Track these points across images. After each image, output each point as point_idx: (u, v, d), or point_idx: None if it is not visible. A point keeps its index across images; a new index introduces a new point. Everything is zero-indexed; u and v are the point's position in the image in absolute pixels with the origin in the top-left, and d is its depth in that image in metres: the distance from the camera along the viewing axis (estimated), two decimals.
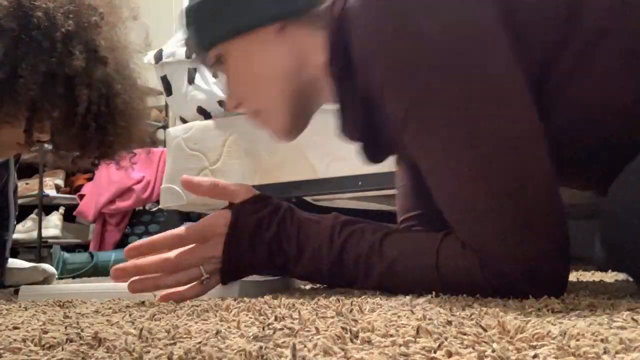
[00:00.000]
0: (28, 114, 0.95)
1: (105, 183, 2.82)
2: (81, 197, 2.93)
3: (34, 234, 2.97)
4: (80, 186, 3.14)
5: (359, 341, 0.40)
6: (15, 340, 0.44)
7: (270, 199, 0.79)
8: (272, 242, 0.76)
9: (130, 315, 0.60)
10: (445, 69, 0.65)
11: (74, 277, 1.78)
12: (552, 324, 0.44)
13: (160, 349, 0.39)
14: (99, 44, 0.97)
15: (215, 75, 1.58)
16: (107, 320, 0.57)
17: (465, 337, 0.39)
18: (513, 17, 0.67)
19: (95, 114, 0.98)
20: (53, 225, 3.05)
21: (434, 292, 0.67)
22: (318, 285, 0.97)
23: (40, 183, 3.00)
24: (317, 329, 0.44)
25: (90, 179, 3.12)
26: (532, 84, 0.67)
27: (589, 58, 0.67)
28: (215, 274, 0.77)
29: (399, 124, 0.69)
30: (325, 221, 0.77)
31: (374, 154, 0.86)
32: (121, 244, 2.78)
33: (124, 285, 0.87)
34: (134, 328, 0.49)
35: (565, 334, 0.38)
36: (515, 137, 0.65)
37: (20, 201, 3.15)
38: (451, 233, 0.70)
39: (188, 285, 0.76)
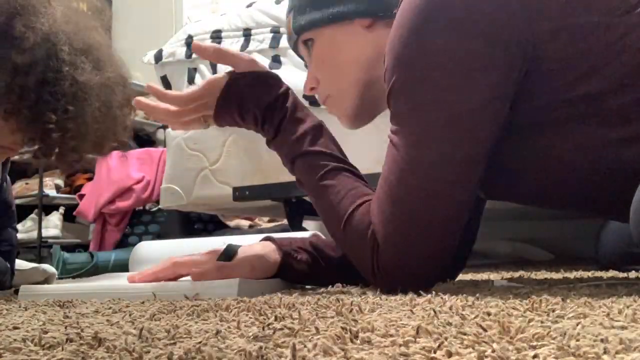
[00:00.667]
0: None
1: (105, 183, 2.82)
2: (81, 197, 2.93)
3: (34, 234, 2.97)
4: (80, 186, 3.14)
5: (359, 341, 0.40)
6: (15, 340, 0.45)
7: (269, 80, 0.88)
8: (257, 111, 0.88)
9: (130, 315, 0.60)
10: (425, 83, 0.71)
11: (74, 277, 1.78)
12: (552, 323, 0.44)
13: (160, 349, 0.39)
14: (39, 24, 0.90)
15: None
16: (107, 320, 0.57)
17: (465, 337, 0.39)
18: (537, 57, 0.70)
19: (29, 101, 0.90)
20: (53, 225, 3.05)
21: (433, 292, 0.68)
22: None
23: (40, 183, 3.00)
24: (317, 329, 0.44)
25: (90, 179, 3.12)
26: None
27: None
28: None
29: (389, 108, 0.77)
30: (307, 124, 0.86)
31: None
32: (121, 244, 2.78)
33: (123, 285, 0.87)
34: (134, 328, 0.49)
35: (565, 334, 0.38)
36: (452, 161, 0.72)
37: (20, 201, 3.16)
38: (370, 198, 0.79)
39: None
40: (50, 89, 0.91)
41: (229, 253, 0.85)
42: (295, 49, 0.98)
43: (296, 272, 0.88)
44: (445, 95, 0.71)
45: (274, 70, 1.57)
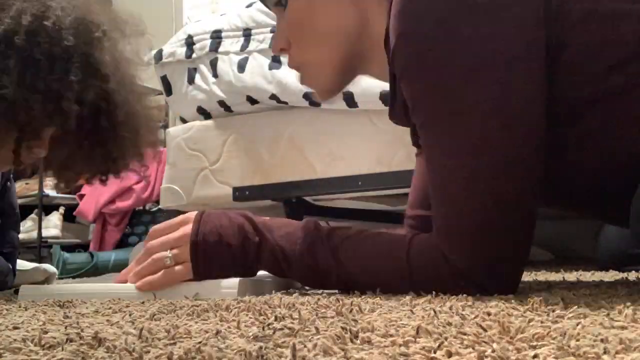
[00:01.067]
0: (17, 135, 0.92)
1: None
2: (81, 197, 2.93)
3: (34, 234, 2.97)
4: (80, 186, 3.13)
5: (359, 341, 0.40)
6: (15, 340, 0.44)
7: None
8: (241, 231, 0.78)
9: (130, 315, 0.60)
10: (469, 79, 0.66)
11: (74, 277, 1.78)
12: (552, 323, 0.44)
13: (160, 349, 0.39)
14: (99, 60, 0.95)
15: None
16: (107, 320, 0.57)
17: (465, 337, 0.39)
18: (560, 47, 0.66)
19: (90, 130, 0.96)
20: (53, 225, 3.05)
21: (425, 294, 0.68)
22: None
23: (40, 183, 3.00)
24: (317, 329, 0.44)
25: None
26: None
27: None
28: (184, 258, 0.79)
29: (411, 111, 0.71)
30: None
31: (417, 141, 0.87)
32: (121, 244, 2.78)
33: (123, 286, 0.87)
34: (134, 328, 0.49)
35: (565, 334, 0.38)
36: (515, 162, 0.67)
37: (20, 201, 3.14)
38: (420, 234, 0.74)
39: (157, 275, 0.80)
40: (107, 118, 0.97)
41: None
42: (265, 3, 0.89)
43: None
44: (492, 91, 0.66)
45: (274, 71, 1.59)
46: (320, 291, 0.83)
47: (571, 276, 1.13)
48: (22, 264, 1.29)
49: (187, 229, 0.79)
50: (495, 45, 0.65)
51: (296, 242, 0.76)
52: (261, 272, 0.89)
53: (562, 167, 0.72)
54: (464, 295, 0.65)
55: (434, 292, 0.67)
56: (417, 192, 0.95)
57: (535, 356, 0.33)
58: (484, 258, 0.69)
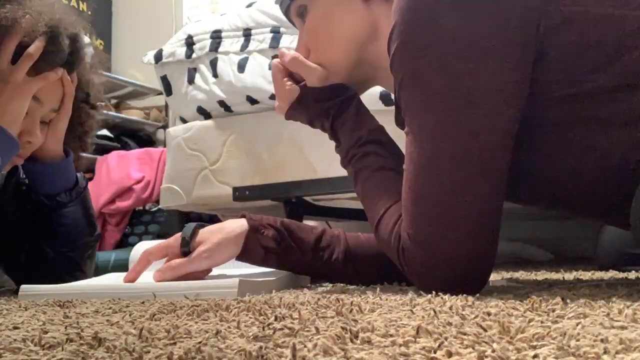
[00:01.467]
0: None
1: (105, 183, 2.82)
2: None
3: None
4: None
5: (359, 341, 0.40)
6: (15, 340, 0.44)
7: (336, 91, 0.90)
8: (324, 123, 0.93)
9: (130, 315, 0.60)
10: (441, 68, 0.68)
11: None
12: (552, 323, 0.44)
13: (160, 349, 0.39)
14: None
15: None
16: (107, 320, 0.57)
17: (465, 337, 0.39)
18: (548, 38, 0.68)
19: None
20: None
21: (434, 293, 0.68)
22: (318, 285, 0.97)
23: None
24: (317, 329, 0.44)
25: (90, 179, 3.12)
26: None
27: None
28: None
29: (397, 97, 0.74)
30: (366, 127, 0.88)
31: None
32: (121, 244, 2.78)
33: (123, 285, 0.87)
34: (134, 328, 0.49)
35: (565, 334, 0.38)
36: (471, 151, 0.68)
37: None
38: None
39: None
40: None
41: (186, 243, 0.87)
42: (287, 14, 0.96)
43: (262, 248, 0.87)
44: (461, 80, 0.67)
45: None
46: (320, 290, 0.83)
47: (571, 276, 1.13)
48: None
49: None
50: (473, 38, 0.67)
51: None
52: (261, 272, 0.89)
53: (551, 169, 0.73)
54: (464, 295, 0.65)
55: (434, 292, 0.67)
56: None
57: (535, 356, 0.33)
58: (433, 248, 0.70)
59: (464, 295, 0.65)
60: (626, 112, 0.67)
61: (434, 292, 0.67)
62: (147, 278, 0.99)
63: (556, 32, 0.67)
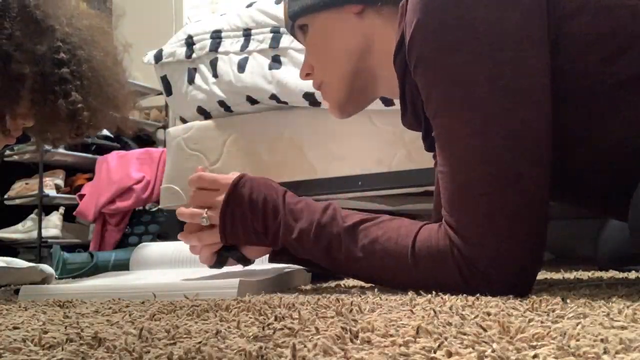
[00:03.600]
0: None
1: (105, 183, 2.82)
2: (81, 197, 2.93)
3: (34, 234, 2.97)
4: (80, 186, 3.14)
5: (359, 341, 0.40)
6: (15, 340, 0.44)
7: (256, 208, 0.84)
8: (267, 203, 0.83)
9: (130, 315, 0.60)
10: (480, 60, 0.67)
11: (74, 277, 1.78)
12: (552, 323, 0.44)
13: (160, 349, 0.39)
14: (41, 12, 0.96)
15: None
16: (107, 320, 0.57)
17: (465, 337, 0.39)
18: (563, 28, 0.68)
19: (45, 85, 0.98)
20: (53, 225, 3.05)
21: (436, 294, 0.68)
22: (318, 284, 0.97)
23: (40, 183, 3.00)
24: (317, 329, 0.44)
25: (90, 179, 3.12)
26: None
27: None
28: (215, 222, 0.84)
29: (425, 101, 0.72)
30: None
31: (430, 145, 0.91)
32: (121, 244, 2.78)
33: (123, 285, 0.87)
34: (134, 328, 0.49)
35: (565, 334, 0.38)
36: (523, 139, 0.67)
37: (20, 201, 3.16)
38: (430, 223, 0.74)
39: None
40: (68, 69, 0.99)
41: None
42: (293, 34, 0.99)
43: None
44: (504, 70, 0.67)
45: (273, 71, 1.59)
46: (320, 290, 0.83)
47: (571, 276, 1.13)
48: (18, 263, 1.29)
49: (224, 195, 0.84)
50: (504, 28, 0.67)
51: (313, 222, 0.79)
52: (261, 271, 0.89)
53: (564, 159, 0.72)
54: (464, 295, 0.65)
55: (434, 292, 0.67)
56: (438, 197, 0.98)
57: (535, 356, 0.33)
58: (491, 244, 0.67)
59: (464, 295, 0.65)
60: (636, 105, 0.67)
61: (433, 292, 0.67)
62: (147, 278, 0.99)
63: (569, 21, 0.68)
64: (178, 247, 1.26)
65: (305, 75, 0.97)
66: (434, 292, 0.67)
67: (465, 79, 0.68)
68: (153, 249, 1.31)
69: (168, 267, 1.24)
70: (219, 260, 0.89)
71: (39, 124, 1.04)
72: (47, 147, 3.03)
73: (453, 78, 0.69)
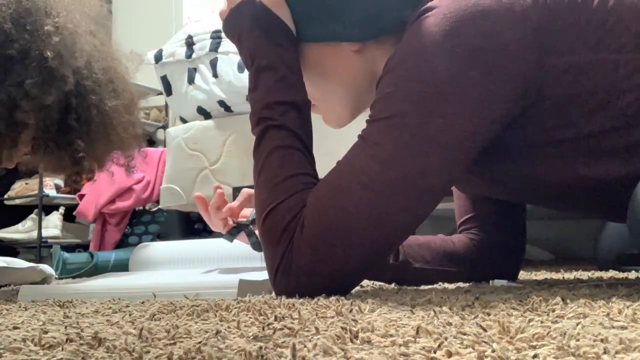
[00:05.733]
0: None
1: (105, 183, 2.82)
2: (81, 197, 2.93)
3: (34, 234, 2.97)
4: (81, 186, 3.14)
5: (358, 341, 0.40)
6: (15, 340, 0.44)
7: None
8: None
9: (130, 315, 0.60)
10: (417, 103, 0.68)
11: (74, 277, 1.78)
12: (552, 323, 0.44)
13: (160, 349, 0.39)
14: (57, 62, 0.93)
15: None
16: (107, 320, 0.57)
17: (465, 337, 0.39)
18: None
19: (47, 133, 0.96)
20: (53, 225, 3.05)
21: (433, 293, 0.68)
22: None
23: (40, 183, 3.00)
24: (317, 329, 0.44)
25: (90, 179, 3.12)
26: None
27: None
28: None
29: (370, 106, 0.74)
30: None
31: None
32: (121, 244, 2.78)
33: (123, 285, 0.87)
34: (134, 328, 0.49)
35: (565, 334, 0.38)
36: (424, 188, 0.69)
37: (20, 201, 3.16)
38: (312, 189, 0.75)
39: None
40: (76, 116, 0.97)
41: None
42: None
43: None
44: (434, 120, 0.68)
45: None
46: None
47: (571, 276, 1.13)
48: (18, 263, 1.29)
49: None
50: (451, 83, 0.68)
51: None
52: (261, 272, 0.89)
53: (552, 178, 0.75)
54: (464, 295, 0.65)
55: (433, 292, 0.67)
56: (460, 202, 1.02)
57: (535, 356, 0.33)
58: (325, 253, 0.69)
59: (465, 295, 0.65)
60: (622, 149, 0.69)
61: (433, 293, 0.67)
62: (147, 278, 0.99)
63: (551, 82, 0.68)
64: (178, 247, 1.26)
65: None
66: (433, 293, 0.67)
67: (399, 112, 0.69)
68: (152, 249, 1.31)
69: (168, 267, 1.24)
70: (230, 232, 0.92)
71: (41, 163, 1.05)
72: None
73: (388, 102, 0.70)
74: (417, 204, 0.70)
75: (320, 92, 0.86)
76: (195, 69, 1.76)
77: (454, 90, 0.68)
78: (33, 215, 3.05)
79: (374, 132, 0.71)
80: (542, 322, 0.45)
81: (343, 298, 0.67)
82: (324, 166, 1.66)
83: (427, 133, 0.68)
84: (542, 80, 0.68)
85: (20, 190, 3.16)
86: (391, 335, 0.41)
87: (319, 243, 0.69)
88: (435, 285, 0.92)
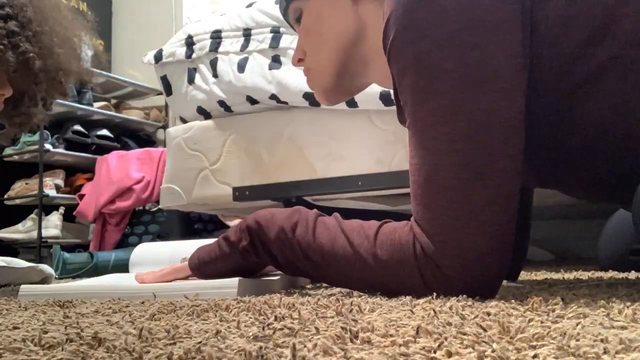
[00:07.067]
0: None
1: (105, 183, 2.82)
2: (81, 197, 2.93)
3: (34, 234, 2.97)
4: (80, 186, 3.14)
5: (358, 341, 0.40)
6: (15, 340, 0.44)
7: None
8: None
9: (130, 315, 0.60)
10: (448, 46, 0.65)
11: (74, 277, 1.78)
12: (552, 323, 0.44)
13: (160, 349, 0.39)
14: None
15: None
16: (107, 320, 0.57)
17: (465, 337, 0.39)
18: (538, 15, 0.66)
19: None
20: (53, 225, 3.05)
21: (420, 294, 0.66)
22: (319, 285, 0.97)
23: (40, 183, 3.00)
24: (317, 329, 0.44)
25: (90, 179, 3.12)
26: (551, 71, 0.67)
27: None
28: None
29: (398, 90, 0.71)
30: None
31: None
32: (121, 244, 2.78)
33: (123, 285, 0.87)
34: (134, 328, 0.49)
35: (565, 334, 0.38)
36: (491, 127, 0.64)
37: (20, 201, 3.16)
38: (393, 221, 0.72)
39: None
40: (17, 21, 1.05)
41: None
42: (285, 17, 0.98)
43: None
44: (472, 55, 0.64)
45: (273, 71, 1.59)
46: (320, 291, 0.83)
47: (571, 276, 1.13)
48: (17, 262, 1.29)
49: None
50: (475, 14, 0.65)
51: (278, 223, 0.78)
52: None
53: (555, 146, 0.71)
54: (464, 295, 0.65)
55: (434, 294, 0.67)
56: None
57: (535, 356, 0.33)
58: (453, 240, 0.64)
59: (464, 295, 0.65)
60: (620, 87, 0.65)
61: (434, 294, 0.67)
62: None
63: (543, 5, 0.66)
64: (177, 248, 1.26)
65: (298, 60, 0.95)
66: (434, 294, 0.67)
67: (431, 67, 0.66)
68: (152, 249, 1.31)
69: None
70: None
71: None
72: (47, 146, 3.04)
73: (420, 66, 0.66)
74: (502, 142, 0.64)
75: (312, 46, 0.91)
76: (195, 69, 1.76)
77: (476, 20, 0.65)
78: (33, 215, 3.05)
79: (423, 102, 0.67)
80: (542, 322, 0.45)
81: (343, 298, 0.67)
82: (324, 166, 1.66)
83: (472, 70, 0.64)
84: (533, 2, 0.66)
85: (20, 190, 3.16)
86: (391, 335, 0.41)
87: (446, 234, 0.64)
88: None
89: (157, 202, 2.52)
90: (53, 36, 1.09)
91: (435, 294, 0.65)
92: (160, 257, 1.26)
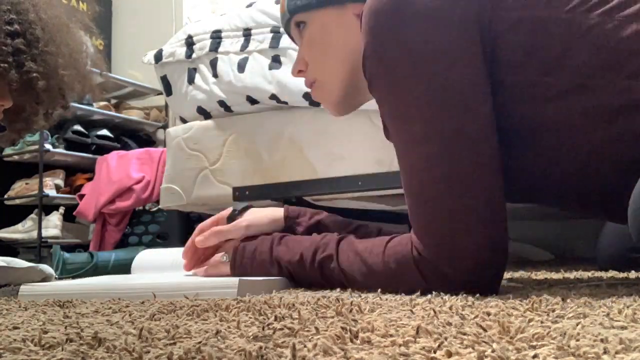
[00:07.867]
0: None
1: (105, 183, 2.82)
2: (81, 197, 2.93)
3: (34, 234, 2.97)
4: (80, 186, 3.14)
5: (358, 341, 0.40)
6: (15, 340, 0.44)
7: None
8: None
9: (130, 315, 0.60)
10: (415, 77, 0.71)
11: (74, 277, 1.78)
12: (552, 323, 0.44)
13: (160, 349, 0.39)
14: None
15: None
16: (107, 320, 0.57)
17: (465, 337, 0.39)
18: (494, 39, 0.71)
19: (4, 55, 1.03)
20: (53, 225, 3.05)
21: (421, 292, 0.67)
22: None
23: (40, 183, 3.00)
24: (317, 329, 0.44)
25: (90, 179, 3.12)
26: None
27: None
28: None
29: (380, 113, 0.78)
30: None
31: None
32: (121, 244, 2.78)
33: (123, 285, 0.87)
34: (134, 328, 0.49)
35: (565, 334, 0.38)
36: (460, 144, 0.70)
37: (20, 201, 3.16)
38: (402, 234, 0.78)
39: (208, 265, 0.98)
40: (24, 39, 1.05)
41: (234, 216, 1.00)
42: (286, 28, 0.99)
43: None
44: (435, 82, 0.70)
45: (273, 71, 1.59)
46: (320, 291, 0.83)
47: (571, 276, 1.13)
48: (17, 262, 1.29)
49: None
50: (436, 44, 0.70)
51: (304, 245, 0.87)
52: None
53: (537, 169, 0.75)
54: (464, 295, 0.65)
55: (433, 293, 0.67)
56: None
57: (535, 356, 0.33)
58: (446, 244, 0.70)
59: (465, 294, 0.65)
60: (580, 112, 0.69)
61: (433, 293, 0.67)
62: (147, 278, 0.99)
63: (506, 34, 0.70)
64: (178, 255, 1.26)
65: (298, 72, 0.97)
66: (433, 293, 0.67)
67: (404, 93, 0.72)
68: (154, 256, 1.31)
69: (170, 271, 1.24)
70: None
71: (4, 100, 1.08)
72: (47, 146, 3.04)
73: (394, 93, 0.73)
74: (474, 154, 0.70)
75: (317, 58, 0.93)
76: (195, 69, 1.76)
77: (437, 53, 0.70)
78: (33, 215, 3.05)
79: (401, 125, 0.74)
80: (542, 322, 0.45)
81: (343, 298, 0.67)
82: (324, 166, 1.66)
83: (437, 95, 0.70)
84: (496, 31, 0.71)
85: (20, 190, 3.16)
86: (391, 335, 0.41)
87: (439, 239, 0.70)
88: None
89: (157, 202, 2.52)
90: (59, 57, 1.10)
91: (434, 293, 0.67)
92: (162, 263, 1.26)
